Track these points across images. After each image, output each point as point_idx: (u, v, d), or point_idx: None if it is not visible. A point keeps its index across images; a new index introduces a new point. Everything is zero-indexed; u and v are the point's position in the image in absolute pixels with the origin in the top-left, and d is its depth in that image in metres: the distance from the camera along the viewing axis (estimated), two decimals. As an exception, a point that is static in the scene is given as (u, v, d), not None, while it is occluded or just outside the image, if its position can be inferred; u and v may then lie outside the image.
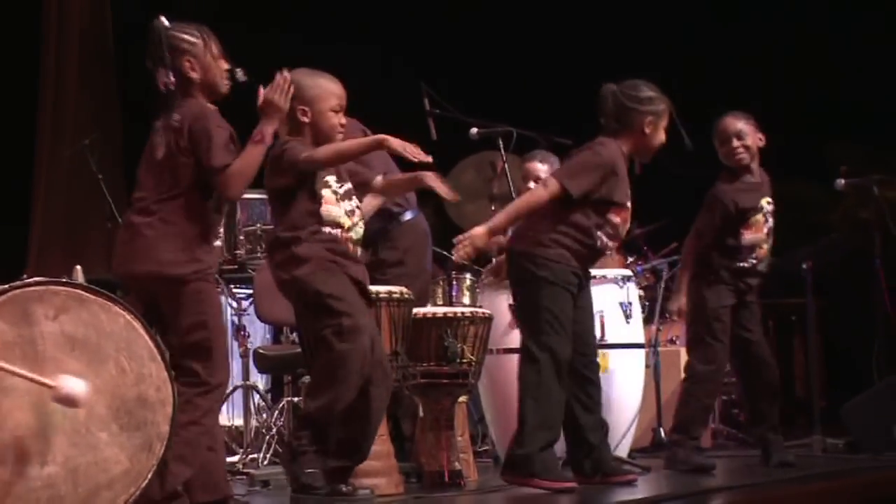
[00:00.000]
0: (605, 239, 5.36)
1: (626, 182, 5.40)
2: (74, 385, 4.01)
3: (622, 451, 6.42)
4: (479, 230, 5.25)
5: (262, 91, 4.67)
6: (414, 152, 4.80)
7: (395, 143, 4.78)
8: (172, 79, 4.50)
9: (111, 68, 9.14)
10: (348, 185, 4.98)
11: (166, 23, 4.54)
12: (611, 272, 6.73)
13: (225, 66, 4.60)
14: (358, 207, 5.00)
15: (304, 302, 4.83)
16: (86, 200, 8.11)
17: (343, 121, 4.94)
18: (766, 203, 6.23)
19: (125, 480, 4.08)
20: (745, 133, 6.21)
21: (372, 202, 5.77)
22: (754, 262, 6.18)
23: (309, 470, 4.71)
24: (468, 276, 6.34)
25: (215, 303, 4.57)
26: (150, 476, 4.12)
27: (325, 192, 4.86)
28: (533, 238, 5.34)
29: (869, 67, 9.73)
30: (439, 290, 6.16)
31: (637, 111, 5.43)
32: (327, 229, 4.83)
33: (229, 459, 6.44)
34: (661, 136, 5.48)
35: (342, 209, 4.89)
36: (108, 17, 9.14)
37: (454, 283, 6.21)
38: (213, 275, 4.61)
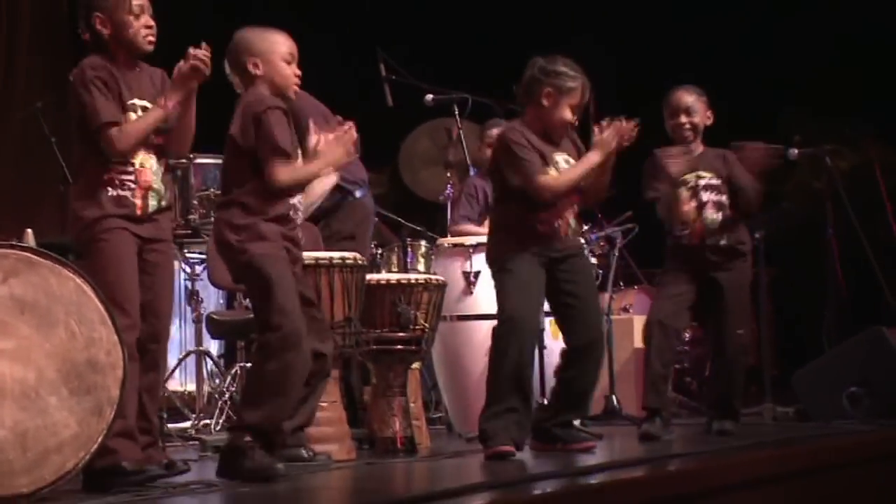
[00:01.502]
0: (545, 216, 5.38)
1: (543, 156, 5.39)
2: None
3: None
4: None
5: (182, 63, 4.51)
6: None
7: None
8: (86, 35, 4.46)
9: (64, 30, 9.04)
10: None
11: None
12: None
13: (148, 22, 4.52)
14: None
15: (247, 277, 4.72)
16: (38, 164, 8.03)
17: (297, 72, 4.88)
18: (696, 177, 6.15)
19: (74, 444, 4.06)
20: (695, 110, 6.15)
21: (326, 180, 5.81)
22: (688, 237, 6.14)
23: (265, 461, 4.54)
24: (423, 242, 6.34)
25: (106, 254, 4.42)
26: (100, 440, 4.11)
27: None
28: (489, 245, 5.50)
29: (822, 34, 9.76)
30: (394, 257, 6.16)
31: (539, 81, 5.40)
32: (286, 206, 4.74)
33: (181, 425, 6.46)
34: (564, 113, 5.39)
35: None
36: (62, -23, 9.05)
37: (408, 249, 6.21)
38: (108, 226, 4.43)
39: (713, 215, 6.17)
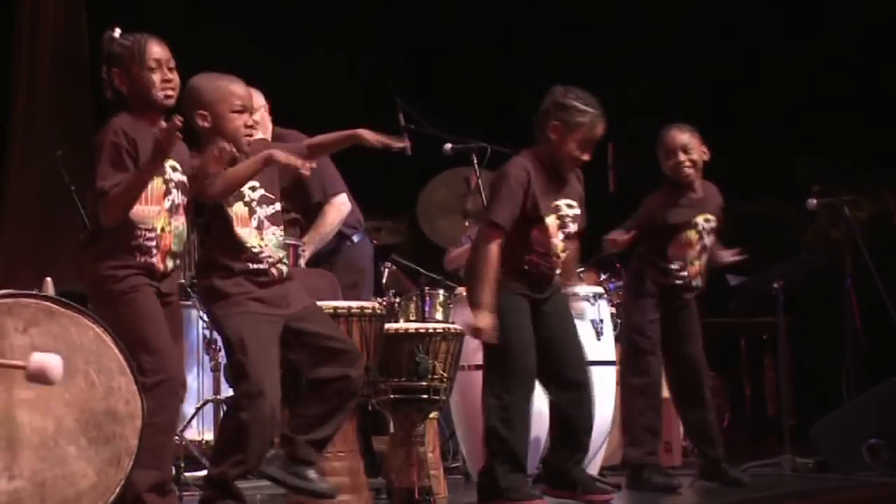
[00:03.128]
0: (535, 260, 5.28)
1: (546, 195, 5.27)
2: (46, 359, 3.94)
3: (593, 468, 6.41)
4: (482, 321, 5.14)
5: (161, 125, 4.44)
6: (298, 164, 4.62)
7: (281, 156, 4.59)
8: (109, 93, 4.43)
9: (85, 79, 9.09)
10: (262, 192, 4.73)
11: (117, 33, 4.45)
12: (582, 289, 6.73)
13: (168, 76, 4.44)
14: (275, 213, 4.79)
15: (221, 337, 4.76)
16: (57, 212, 8.06)
17: (249, 122, 4.69)
18: (704, 220, 6.16)
19: (93, 495, 4.07)
20: (691, 147, 6.12)
21: (342, 208, 5.85)
22: (685, 278, 6.13)
23: None
24: (441, 291, 6.33)
25: (140, 308, 4.37)
26: (118, 490, 4.10)
27: (237, 209, 4.65)
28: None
29: (842, 84, 9.78)
30: (412, 306, 6.15)
31: (547, 114, 5.28)
32: (241, 259, 4.64)
33: (199, 473, 6.43)
34: (571, 149, 5.24)
35: (252, 227, 4.67)
36: (83, 25, 9.10)
37: (427, 298, 6.20)
38: (138, 282, 4.40)
39: (704, 258, 6.18)
